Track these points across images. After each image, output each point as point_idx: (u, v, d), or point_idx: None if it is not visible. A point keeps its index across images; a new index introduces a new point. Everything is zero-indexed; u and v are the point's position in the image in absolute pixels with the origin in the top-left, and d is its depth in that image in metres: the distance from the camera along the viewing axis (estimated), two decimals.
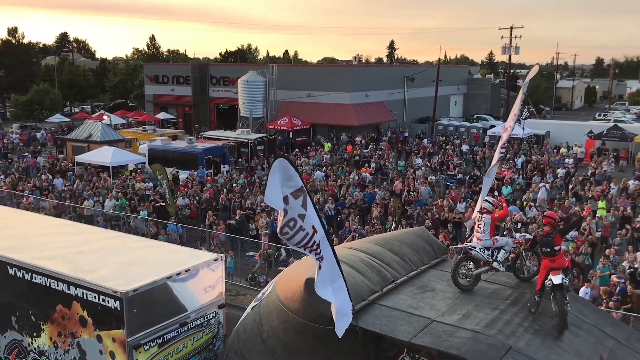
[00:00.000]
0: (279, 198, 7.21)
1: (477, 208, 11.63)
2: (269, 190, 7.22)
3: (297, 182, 7.35)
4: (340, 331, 7.91)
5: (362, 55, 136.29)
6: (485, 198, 10.16)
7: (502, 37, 55.84)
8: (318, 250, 7.67)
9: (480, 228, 9.72)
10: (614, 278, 15.07)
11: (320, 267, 7.72)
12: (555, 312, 8.60)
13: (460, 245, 10.25)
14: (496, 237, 9.76)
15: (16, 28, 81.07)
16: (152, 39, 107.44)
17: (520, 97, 12.47)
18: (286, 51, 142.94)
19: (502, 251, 9.72)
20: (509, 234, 10.11)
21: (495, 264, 9.62)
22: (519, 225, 19.83)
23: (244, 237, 20.71)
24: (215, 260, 10.59)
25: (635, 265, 16.31)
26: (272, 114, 48.96)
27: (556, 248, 8.89)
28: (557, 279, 8.68)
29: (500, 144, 12.84)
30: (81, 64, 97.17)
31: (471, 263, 9.54)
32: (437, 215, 21.48)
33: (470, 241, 10.07)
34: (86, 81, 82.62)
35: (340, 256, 8.62)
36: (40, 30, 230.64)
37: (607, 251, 17.19)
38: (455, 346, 7.64)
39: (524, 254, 9.97)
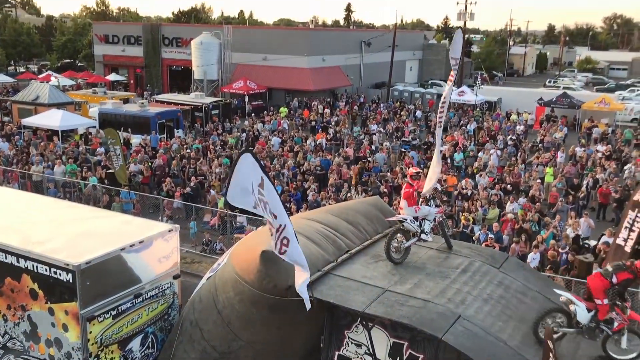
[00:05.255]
0: (246, 196, 7.29)
1: (428, 177, 11.80)
2: (232, 191, 7.21)
3: (260, 173, 7.39)
4: (306, 303, 8.07)
5: (319, 18, 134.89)
6: (411, 169, 10.18)
7: (457, 3, 56.11)
8: (280, 234, 7.77)
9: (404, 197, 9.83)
10: (552, 243, 15.65)
11: (282, 253, 7.87)
12: None
13: (392, 218, 10.26)
14: (417, 205, 9.80)
15: None
16: None
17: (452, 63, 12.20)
18: (241, 11, 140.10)
19: (427, 222, 9.85)
20: (434, 201, 10.24)
21: (423, 235, 9.77)
22: (470, 192, 20.33)
23: (199, 204, 20.55)
24: (169, 231, 10.52)
25: (578, 232, 17.02)
26: (227, 77, 48.24)
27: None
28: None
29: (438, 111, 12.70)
30: (25, 20, 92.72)
31: (402, 236, 9.63)
32: (391, 182, 21.75)
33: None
34: (31, 40, 78.99)
35: (295, 227, 8.69)
36: None
37: (546, 219, 17.83)
38: (407, 315, 7.88)
39: (444, 222, 10.35)
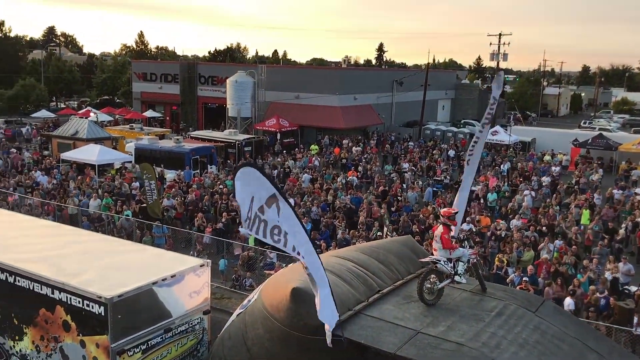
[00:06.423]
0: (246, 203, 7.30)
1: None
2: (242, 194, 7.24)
3: (270, 189, 7.38)
4: (329, 340, 7.93)
5: (351, 57, 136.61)
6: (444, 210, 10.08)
7: (490, 44, 56.23)
8: (301, 257, 7.70)
9: (437, 239, 9.66)
10: (592, 288, 15.20)
11: (309, 275, 7.76)
12: None
13: (425, 259, 10.08)
14: (453, 245, 9.62)
15: (3, 22, 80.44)
16: (141, 35, 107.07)
17: (490, 103, 12.38)
18: (275, 51, 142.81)
19: (460, 263, 9.67)
20: (468, 242, 10.05)
21: (457, 277, 9.59)
22: (504, 234, 19.96)
23: (230, 239, 20.61)
24: (201, 266, 10.56)
25: (617, 275, 16.49)
26: (260, 115, 48.92)
27: None
28: None
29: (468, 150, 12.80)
30: (68, 59, 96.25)
31: (435, 277, 9.45)
32: (423, 225, 21.43)
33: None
34: (73, 77, 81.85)
35: (326, 265, 8.63)
36: (27, 23, 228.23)
37: (584, 262, 17.35)
38: (440, 359, 7.68)
39: (478, 264, 10.16)
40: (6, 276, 10.22)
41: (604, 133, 43.08)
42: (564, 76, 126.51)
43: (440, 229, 9.62)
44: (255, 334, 9.06)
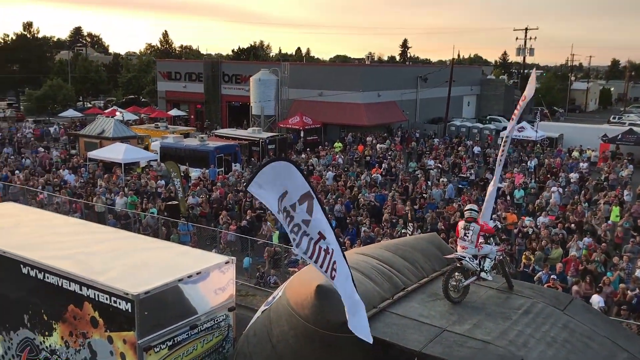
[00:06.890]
0: (275, 199, 7.04)
1: (481, 215, 11.48)
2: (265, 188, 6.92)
3: (305, 187, 7.29)
4: (358, 332, 7.80)
5: (375, 53, 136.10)
6: (470, 206, 9.83)
7: (516, 39, 55.64)
8: (326, 258, 7.58)
9: (467, 237, 9.42)
10: (622, 286, 14.92)
11: (333, 278, 7.66)
12: None
13: (450, 255, 9.92)
14: (480, 244, 9.46)
15: (31, 23, 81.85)
16: (165, 34, 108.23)
17: (520, 102, 12.26)
18: (298, 48, 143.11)
19: (487, 260, 9.51)
20: (494, 239, 9.90)
21: (483, 274, 9.44)
22: (531, 231, 19.70)
23: (255, 237, 20.71)
24: (226, 262, 10.60)
25: None
26: (284, 113, 49.03)
27: None
28: None
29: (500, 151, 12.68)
30: (94, 59, 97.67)
31: (460, 274, 9.29)
32: (448, 222, 21.25)
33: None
34: (99, 77, 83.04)
35: (350, 262, 8.57)
36: (54, 24, 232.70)
37: (614, 260, 17.03)
38: (466, 357, 7.60)
39: (505, 261, 9.98)
40: (36, 273, 10.39)
41: (634, 128, 42.23)
42: (592, 70, 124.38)
43: (476, 226, 9.43)
44: (280, 330, 9.07)
